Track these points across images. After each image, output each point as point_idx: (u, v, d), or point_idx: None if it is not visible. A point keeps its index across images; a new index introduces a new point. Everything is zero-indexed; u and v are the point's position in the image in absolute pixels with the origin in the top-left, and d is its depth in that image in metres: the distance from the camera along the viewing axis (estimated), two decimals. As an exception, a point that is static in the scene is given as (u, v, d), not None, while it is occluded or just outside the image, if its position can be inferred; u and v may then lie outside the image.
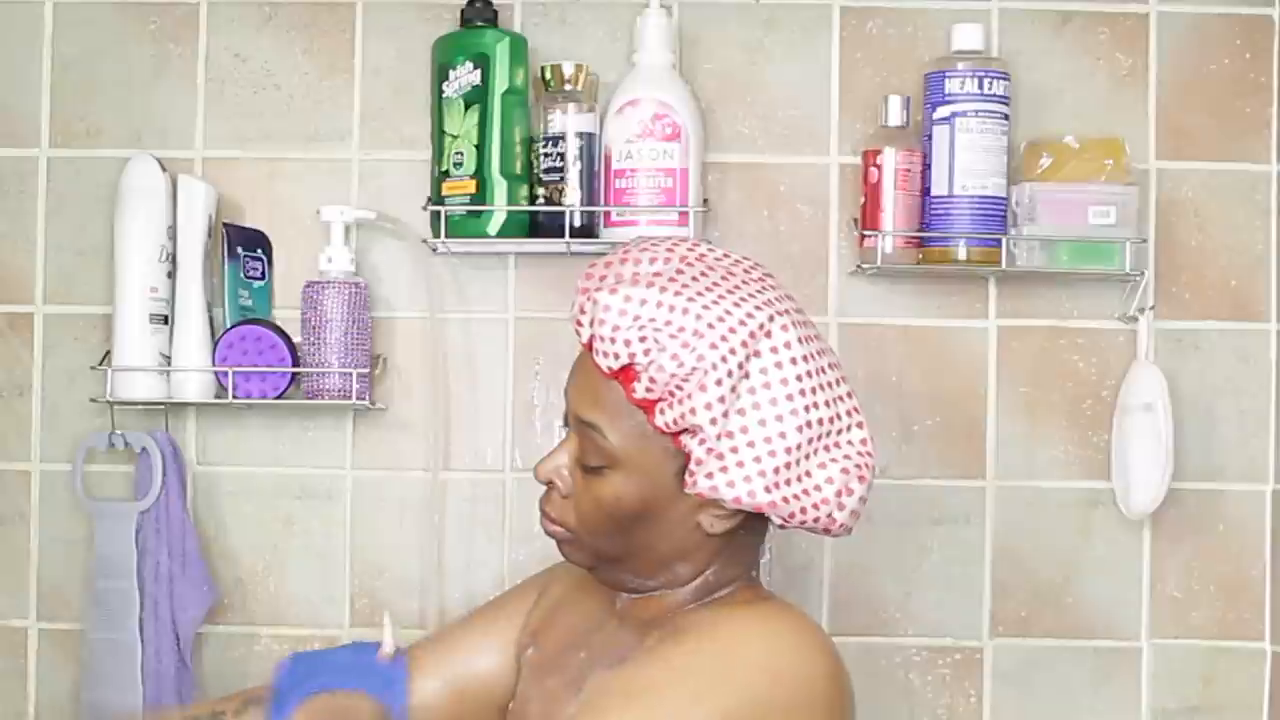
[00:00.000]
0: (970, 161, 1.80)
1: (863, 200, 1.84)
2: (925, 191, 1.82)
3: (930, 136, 1.82)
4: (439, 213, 1.83)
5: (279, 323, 1.87)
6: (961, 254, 1.81)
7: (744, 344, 1.31)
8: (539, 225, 1.84)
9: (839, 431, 1.35)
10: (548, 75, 1.83)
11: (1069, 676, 1.90)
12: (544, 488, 1.41)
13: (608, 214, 1.83)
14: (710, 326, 1.30)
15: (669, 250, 1.38)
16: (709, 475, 1.31)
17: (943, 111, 1.80)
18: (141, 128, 1.91)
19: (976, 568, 1.90)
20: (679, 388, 1.31)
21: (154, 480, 1.84)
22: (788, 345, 1.32)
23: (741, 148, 1.91)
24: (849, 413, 1.36)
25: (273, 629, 1.91)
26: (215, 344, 1.84)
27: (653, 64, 1.83)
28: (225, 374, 1.82)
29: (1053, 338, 1.91)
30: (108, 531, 1.84)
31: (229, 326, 1.84)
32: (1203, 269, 1.91)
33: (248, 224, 1.90)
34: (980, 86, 1.80)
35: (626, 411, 1.34)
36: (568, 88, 1.83)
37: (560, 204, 1.82)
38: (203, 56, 1.92)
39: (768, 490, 1.31)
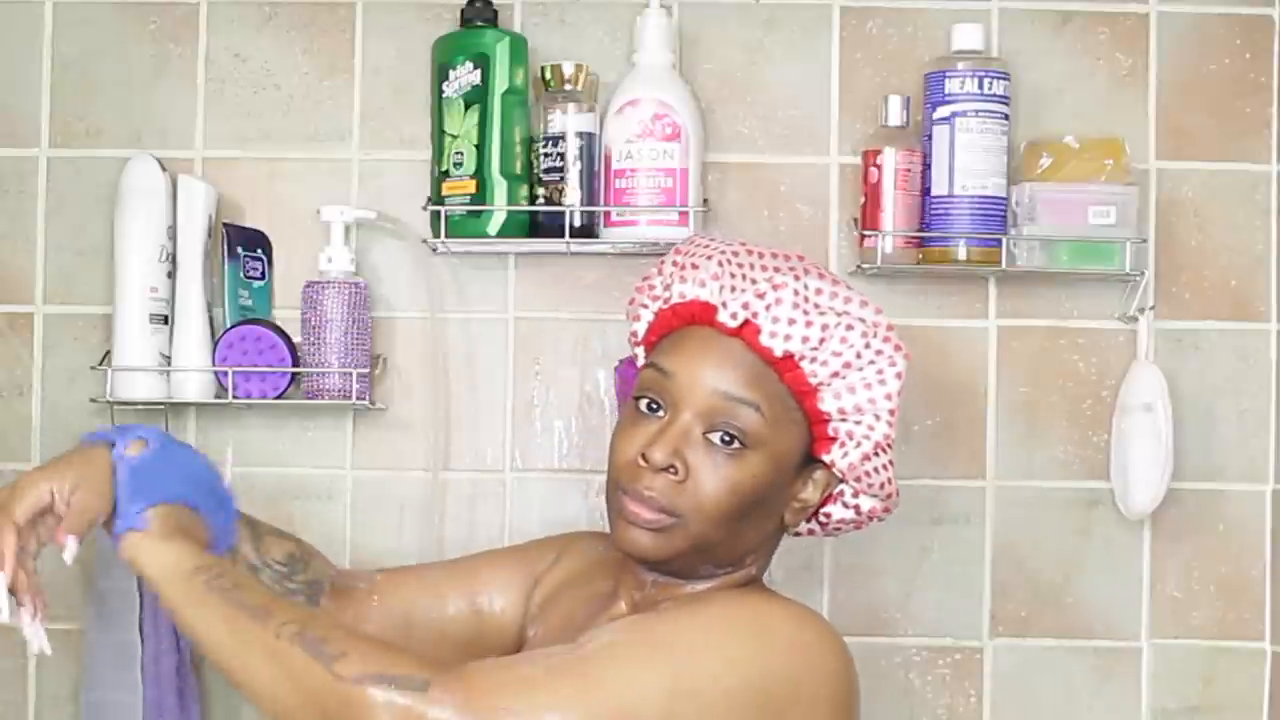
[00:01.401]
0: (970, 161, 1.80)
1: (863, 200, 1.84)
2: (925, 191, 1.82)
3: (930, 136, 1.82)
4: (439, 213, 1.83)
5: (279, 323, 1.87)
6: (961, 254, 1.81)
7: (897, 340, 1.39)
8: (539, 225, 1.84)
9: None
10: (548, 75, 1.83)
11: (1069, 676, 1.90)
12: (633, 473, 1.34)
13: (608, 214, 1.83)
14: (880, 323, 1.38)
15: (786, 255, 1.42)
16: (865, 460, 1.37)
17: (943, 111, 1.80)
18: (141, 128, 1.91)
19: (976, 568, 1.90)
20: (856, 377, 1.36)
21: (154, 480, 1.84)
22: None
23: (741, 148, 1.91)
24: None
25: (273, 629, 1.90)
26: (215, 344, 1.84)
27: (653, 64, 1.83)
28: (225, 374, 1.82)
29: (1052, 338, 1.91)
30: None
31: (229, 326, 1.84)
32: (1203, 269, 1.91)
33: (248, 224, 1.90)
34: (980, 86, 1.80)
35: (778, 394, 1.35)
36: (568, 88, 1.83)
37: (560, 204, 1.82)
38: (203, 56, 1.92)
39: (894, 478, 1.40)
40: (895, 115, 1.83)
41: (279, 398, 1.83)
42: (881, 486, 1.39)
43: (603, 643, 1.29)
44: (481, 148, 1.81)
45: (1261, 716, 1.89)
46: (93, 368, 1.86)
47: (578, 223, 1.83)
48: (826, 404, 1.35)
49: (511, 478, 1.91)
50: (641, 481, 1.34)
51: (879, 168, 1.82)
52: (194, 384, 1.84)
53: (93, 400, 1.86)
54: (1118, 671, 1.90)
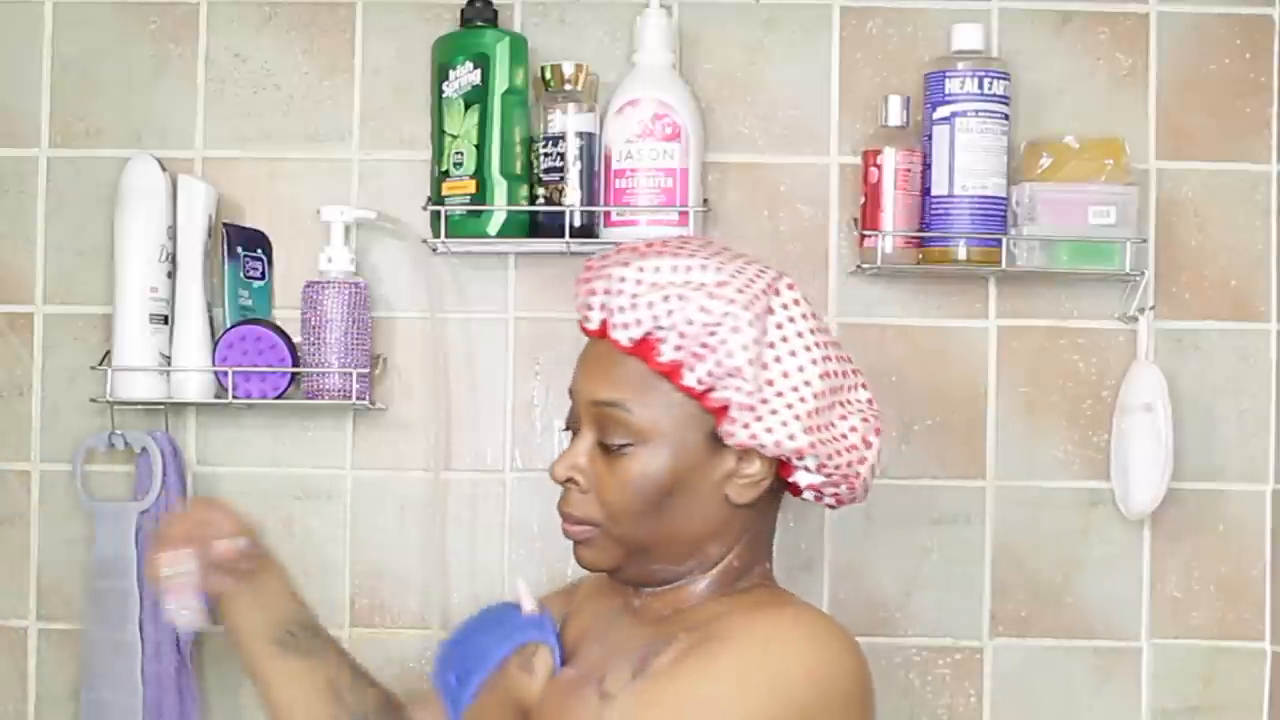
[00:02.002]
0: (970, 161, 1.80)
1: (863, 200, 1.84)
2: (925, 191, 1.82)
3: (930, 136, 1.82)
4: (439, 213, 1.83)
5: (279, 323, 1.87)
6: (961, 254, 1.81)
7: (762, 294, 1.35)
8: (539, 225, 1.84)
9: (849, 389, 1.41)
10: (548, 75, 1.83)
11: (1069, 676, 1.90)
12: (560, 493, 1.41)
13: (608, 214, 1.83)
14: (727, 281, 1.35)
15: (664, 241, 1.42)
16: (745, 425, 1.34)
17: (943, 111, 1.80)
18: (141, 128, 1.91)
19: (976, 568, 1.90)
20: (705, 343, 1.33)
21: (154, 480, 1.84)
22: (796, 302, 1.38)
23: (741, 148, 1.91)
24: (854, 372, 1.43)
25: (273, 629, 1.90)
26: (215, 344, 1.84)
27: (653, 64, 1.83)
28: (225, 374, 1.82)
29: (1052, 338, 1.91)
30: (108, 531, 1.84)
31: (229, 326, 1.84)
32: (1203, 269, 1.91)
33: (248, 224, 1.90)
34: (980, 86, 1.80)
35: (649, 383, 1.35)
36: (568, 88, 1.83)
37: (560, 204, 1.82)
38: (203, 56, 1.92)
39: (807, 432, 1.35)
40: (895, 115, 1.83)
41: (279, 398, 1.83)
42: (779, 445, 1.34)
43: (627, 712, 1.29)
44: (481, 148, 1.81)
45: (1261, 716, 1.89)
46: (93, 368, 1.86)
47: (578, 223, 1.83)
48: (688, 379, 1.34)
49: (511, 478, 1.91)
50: (562, 501, 1.40)
51: (879, 168, 1.82)
52: (194, 384, 1.84)
53: (93, 400, 1.86)
54: (1118, 671, 1.90)
